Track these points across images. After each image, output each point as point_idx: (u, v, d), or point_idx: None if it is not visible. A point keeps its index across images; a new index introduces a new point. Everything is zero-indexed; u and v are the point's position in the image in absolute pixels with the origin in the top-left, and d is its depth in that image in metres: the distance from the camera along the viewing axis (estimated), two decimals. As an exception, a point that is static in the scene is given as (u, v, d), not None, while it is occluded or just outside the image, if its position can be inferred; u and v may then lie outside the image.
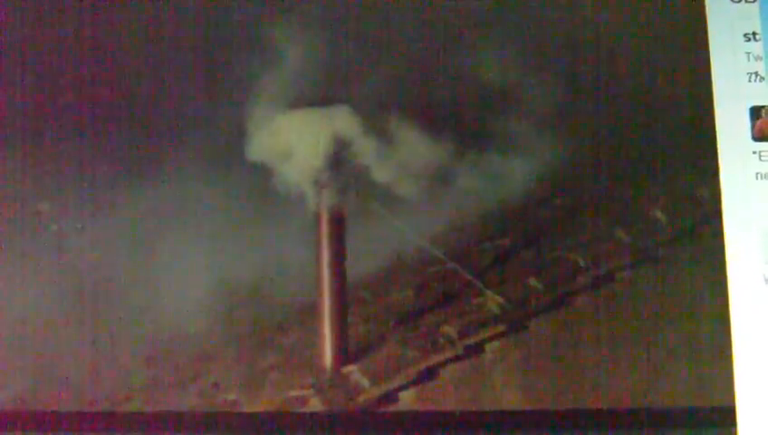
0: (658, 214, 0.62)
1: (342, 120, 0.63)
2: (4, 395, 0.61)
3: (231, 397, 0.60)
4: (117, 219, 0.63)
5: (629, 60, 0.64)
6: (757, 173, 0.60)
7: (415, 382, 0.60)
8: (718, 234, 0.59)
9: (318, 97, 0.64)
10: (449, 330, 0.61)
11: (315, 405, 0.60)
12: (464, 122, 0.64)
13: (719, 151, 0.61)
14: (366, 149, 0.63)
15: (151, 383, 0.60)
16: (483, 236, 0.63)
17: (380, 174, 0.63)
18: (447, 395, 0.60)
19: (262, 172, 0.63)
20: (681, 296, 0.60)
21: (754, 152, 0.60)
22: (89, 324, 0.62)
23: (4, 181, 0.64)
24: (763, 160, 0.60)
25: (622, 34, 0.64)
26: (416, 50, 0.65)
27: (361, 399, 0.60)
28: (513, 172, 0.63)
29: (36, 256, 0.63)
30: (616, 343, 0.60)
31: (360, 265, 0.63)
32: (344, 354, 0.61)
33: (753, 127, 0.60)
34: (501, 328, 0.61)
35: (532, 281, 0.62)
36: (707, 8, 0.63)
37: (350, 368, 0.61)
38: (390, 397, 0.60)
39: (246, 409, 0.60)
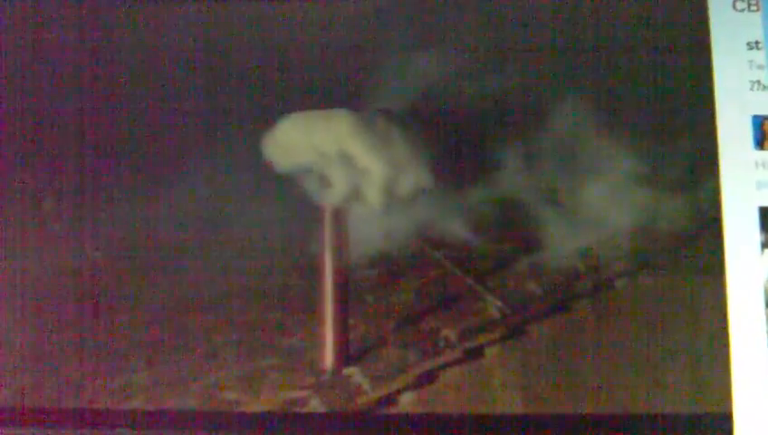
0: (659, 221, 0.63)
1: (346, 124, 0.63)
2: (5, 391, 0.61)
3: (231, 397, 0.60)
4: (118, 219, 0.64)
5: (630, 67, 0.64)
6: (758, 182, 0.60)
7: (415, 385, 0.60)
8: (718, 242, 0.60)
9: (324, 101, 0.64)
10: (449, 333, 0.61)
11: (315, 406, 0.60)
12: (466, 129, 0.64)
13: (720, 160, 0.61)
14: (369, 153, 0.63)
15: (152, 382, 0.61)
16: (483, 241, 0.63)
17: (382, 176, 0.63)
18: (447, 398, 0.60)
19: (264, 175, 0.63)
20: (680, 304, 0.60)
21: (756, 161, 0.61)
22: (89, 323, 0.62)
23: (6, 179, 0.64)
24: (766, 169, 0.60)
25: (622, 41, 0.64)
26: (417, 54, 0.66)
27: (361, 400, 0.60)
28: (515, 177, 0.63)
29: (37, 254, 0.63)
30: (615, 349, 0.60)
31: (362, 267, 0.63)
32: (345, 356, 0.61)
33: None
34: (500, 332, 0.61)
35: (532, 286, 0.62)
36: (710, 16, 0.63)
37: (351, 370, 0.61)
38: (390, 399, 0.60)
39: (246, 409, 0.60)
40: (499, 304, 0.62)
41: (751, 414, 0.57)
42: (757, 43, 0.63)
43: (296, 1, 0.67)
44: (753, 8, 0.63)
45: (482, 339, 0.61)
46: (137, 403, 0.60)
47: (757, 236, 0.60)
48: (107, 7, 0.67)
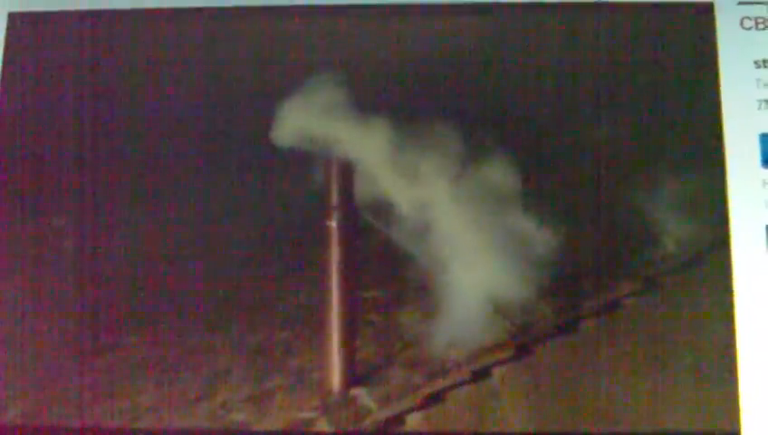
0: (666, 241, 0.62)
1: (353, 145, 0.63)
2: (13, 411, 0.61)
3: (239, 417, 0.60)
4: (128, 236, 0.64)
5: (638, 86, 0.64)
6: (766, 201, 0.60)
7: (422, 406, 0.60)
8: (726, 261, 0.60)
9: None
10: (457, 354, 0.61)
11: (322, 427, 0.60)
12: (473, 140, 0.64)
13: (728, 178, 0.61)
14: (378, 173, 0.63)
15: (158, 403, 0.61)
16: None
17: (389, 195, 0.63)
18: (454, 419, 0.60)
19: (275, 195, 0.63)
20: (688, 323, 0.60)
21: (764, 180, 0.61)
22: (98, 342, 0.62)
23: (19, 196, 0.65)
24: (773, 187, 0.60)
25: (632, 60, 0.64)
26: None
27: (368, 421, 0.60)
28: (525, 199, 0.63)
29: (49, 271, 0.64)
30: (622, 368, 0.60)
31: (370, 287, 0.63)
32: (352, 377, 0.61)
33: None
34: (508, 353, 0.61)
35: (540, 306, 0.62)
36: (718, 35, 0.63)
37: (358, 390, 0.61)
38: (397, 420, 0.60)
39: (254, 429, 0.60)
40: (507, 324, 0.62)
41: (758, 433, 0.57)
42: (765, 61, 0.62)
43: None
44: (761, 26, 0.63)
45: (489, 359, 0.61)
46: (143, 424, 0.60)
47: (765, 254, 0.60)
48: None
